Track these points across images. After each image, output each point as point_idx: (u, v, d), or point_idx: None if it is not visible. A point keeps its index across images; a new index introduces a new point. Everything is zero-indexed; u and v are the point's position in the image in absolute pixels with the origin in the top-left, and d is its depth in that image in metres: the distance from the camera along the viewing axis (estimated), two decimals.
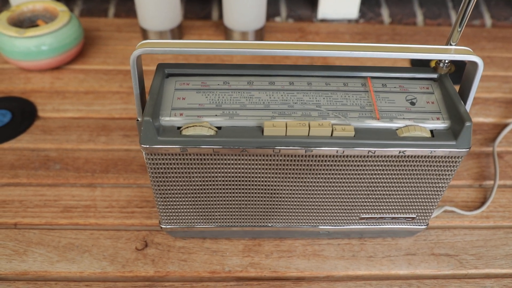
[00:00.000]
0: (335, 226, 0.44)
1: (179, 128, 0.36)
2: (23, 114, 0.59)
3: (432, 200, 0.41)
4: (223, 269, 0.44)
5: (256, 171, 0.38)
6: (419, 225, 0.44)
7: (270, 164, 0.37)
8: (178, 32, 0.72)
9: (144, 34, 0.71)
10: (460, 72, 0.69)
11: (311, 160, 0.37)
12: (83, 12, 0.81)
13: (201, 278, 0.43)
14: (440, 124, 0.37)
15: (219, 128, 0.36)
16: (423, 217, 0.43)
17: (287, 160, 0.37)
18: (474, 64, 0.36)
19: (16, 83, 0.63)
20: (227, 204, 0.41)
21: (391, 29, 0.80)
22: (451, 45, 0.40)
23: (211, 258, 0.45)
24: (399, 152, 0.36)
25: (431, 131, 0.37)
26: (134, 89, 0.36)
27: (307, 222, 0.43)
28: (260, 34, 0.73)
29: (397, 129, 0.37)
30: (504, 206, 0.51)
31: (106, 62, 0.68)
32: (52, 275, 0.43)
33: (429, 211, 0.43)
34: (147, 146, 0.35)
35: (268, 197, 0.40)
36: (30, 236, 0.46)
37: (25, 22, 0.66)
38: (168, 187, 0.39)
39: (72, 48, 0.65)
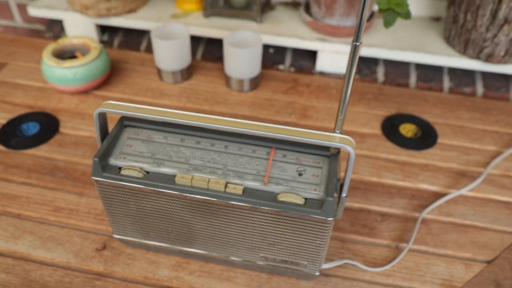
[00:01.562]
0: (242, 259, 0.55)
1: (120, 168, 0.49)
2: (48, 128, 0.76)
3: (317, 253, 0.51)
4: (153, 276, 0.57)
5: (172, 207, 0.50)
6: (312, 271, 0.54)
7: (181, 204, 0.49)
8: (187, 73, 0.86)
9: (159, 71, 0.86)
10: (425, 137, 0.76)
11: (210, 207, 0.48)
12: (121, 44, 0.98)
13: (136, 281, 0.56)
14: (314, 195, 0.47)
15: (147, 172, 0.49)
16: (313, 265, 0.53)
17: (193, 204, 0.49)
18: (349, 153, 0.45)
19: (50, 102, 0.81)
20: (158, 227, 0.54)
21: (378, 88, 0.88)
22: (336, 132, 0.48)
23: (148, 267, 0.57)
24: (275, 211, 0.47)
25: (306, 199, 0.47)
26: (97, 137, 0.50)
27: (220, 252, 0.55)
28: (255, 82, 0.85)
29: (278, 193, 0.47)
30: (408, 269, 0.58)
31: (123, 92, 0.84)
32: (32, 257, 0.58)
33: (317, 261, 0.52)
34: (95, 178, 0.49)
35: (185, 227, 0.53)
36: (26, 225, 0.62)
37: (67, 53, 0.84)
38: (113, 208, 0.53)
39: (99, 77, 0.82)
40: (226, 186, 0.47)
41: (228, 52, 0.80)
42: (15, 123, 0.76)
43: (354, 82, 0.89)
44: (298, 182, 0.48)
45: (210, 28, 0.91)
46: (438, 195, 0.68)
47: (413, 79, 0.91)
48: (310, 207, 0.46)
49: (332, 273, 0.58)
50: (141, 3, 0.96)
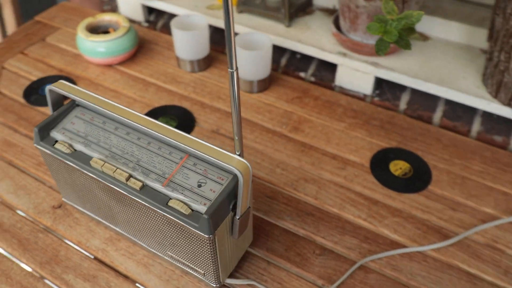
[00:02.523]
0: (151, 249, 0.58)
1: (56, 141, 0.56)
2: None
3: (210, 265, 0.52)
4: (85, 243, 0.63)
5: (92, 186, 0.55)
6: (210, 282, 0.56)
7: (97, 186, 0.54)
8: (204, 63, 0.91)
9: (177, 59, 0.91)
10: (414, 180, 0.71)
11: (117, 195, 0.53)
12: (163, 26, 1.05)
13: (70, 242, 0.63)
14: (201, 208, 0.48)
15: (75, 150, 0.55)
16: (210, 277, 0.54)
17: (106, 187, 0.53)
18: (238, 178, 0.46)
19: (77, 69, 0.91)
20: (88, 201, 0.60)
21: (390, 116, 0.82)
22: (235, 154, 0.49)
23: (85, 233, 0.64)
24: (164, 215, 0.49)
25: (192, 211, 0.48)
26: (50, 109, 0.57)
27: (139, 238, 0.59)
28: (263, 85, 0.86)
29: (170, 199, 0.49)
30: None
31: (141, 71, 0.91)
32: (2, 198, 0.68)
33: (213, 273, 0.54)
34: (36, 145, 0.56)
35: (107, 207, 0.58)
36: (10, 171, 0.72)
37: (101, 28, 0.93)
38: (55, 174, 0.60)
39: (122, 54, 0.90)
40: (128, 179, 0.51)
41: (238, 53, 0.82)
42: (42, 82, 0.88)
43: (367, 105, 0.85)
44: (193, 193, 0.50)
45: (238, 24, 0.93)
46: (394, 245, 0.64)
47: (438, 114, 0.84)
48: (190, 219, 0.48)
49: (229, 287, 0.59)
50: None
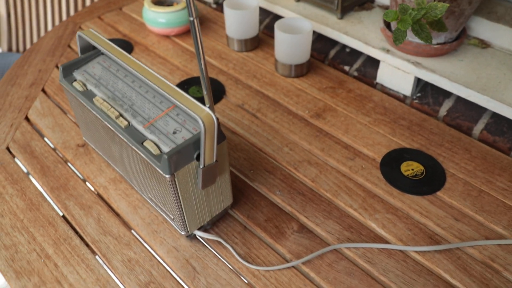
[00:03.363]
0: (139, 191, 0.64)
1: (75, 80, 0.65)
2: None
3: (177, 211, 0.57)
4: (93, 179, 0.71)
5: (96, 123, 0.63)
6: (179, 229, 0.60)
7: (99, 123, 0.62)
8: (251, 43, 0.95)
9: (227, 37, 0.97)
10: (423, 183, 0.69)
11: (110, 131, 0.60)
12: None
13: (81, 175, 0.72)
14: (167, 150, 0.53)
15: (87, 89, 0.63)
16: (179, 224, 0.59)
17: (103, 125, 0.61)
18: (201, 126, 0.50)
19: (138, 36, 1.02)
20: (97, 140, 0.68)
21: (421, 119, 0.79)
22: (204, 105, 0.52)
23: (95, 171, 0.72)
24: (138, 154, 0.55)
25: (161, 153, 0.53)
26: (79, 53, 0.67)
27: (127, 176, 0.66)
28: (301, 70, 0.88)
29: (146, 140, 0.55)
30: (280, 283, 0.58)
31: (192, 45, 0.99)
32: (43, 132, 0.80)
33: (181, 220, 0.58)
34: (60, 82, 0.66)
35: (108, 146, 0.65)
36: (56, 111, 0.84)
37: (167, 1, 1.03)
38: (75, 112, 0.69)
39: (178, 27, 0.98)
40: (117, 117, 0.57)
41: (277, 36, 0.85)
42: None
43: (403, 104, 0.82)
44: (167, 138, 0.54)
45: (291, 11, 0.96)
46: (378, 240, 0.62)
47: (479, 126, 0.78)
48: (156, 159, 0.53)
49: (206, 243, 0.62)
50: None
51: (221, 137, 0.55)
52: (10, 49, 1.63)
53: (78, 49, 0.66)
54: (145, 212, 0.66)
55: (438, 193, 0.68)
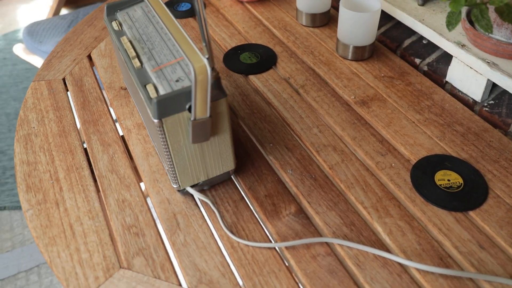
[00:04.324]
0: (150, 137, 0.65)
1: (115, 20, 0.67)
2: (192, 9, 0.98)
3: (169, 162, 0.56)
4: (122, 120, 0.74)
5: (123, 64, 0.65)
6: (173, 183, 0.59)
7: (123, 64, 0.63)
8: (320, 19, 0.90)
9: (297, 10, 0.93)
10: (456, 197, 0.60)
11: (128, 72, 0.61)
12: None
13: (114, 114, 0.75)
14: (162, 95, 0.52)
15: (121, 29, 0.65)
16: (171, 175, 0.58)
17: (125, 66, 0.62)
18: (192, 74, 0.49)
19: (219, 1, 1.03)
20: (128, 83, 0.70)
21: (483, 128, 0.68)
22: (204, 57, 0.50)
23: (127, 113, 0.75)
24: (141, 96, 0.55)
25: (157, 96, 0.53)
26: None
27: (143, 121, 0.66)
28: (360, 52, 0.81)
29: (150, 83, 0.55)
30: (256, 262, 0.55)
31: (262, 13, 0.96)
32: (99, 72, 0.85)
33: (171, 171, 0.57)
34: (104, 20, 0.68)
35: (134, 89, 0.66)
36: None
37: None
38: (114, 47, 0.71)
39: None
40: (133, 58, 0.58)
41: (341, 12, 0.79)
42: (179, 0, 1.02)
43: (468, 110, 0.72)
44: (168, 84, 0.54)
45: None
46: (377, 245, 0.55)
47: None
48: (150, 102, 0.52)
49: (199, 204, 0.61)
50: None
51: (219, 93, 0.52)
52: None
53: None
54: (154, 160, 0.67)
55: (471, 212, 0.58)
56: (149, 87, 0.54)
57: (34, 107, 0.77)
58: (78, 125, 0.74)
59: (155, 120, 0.51)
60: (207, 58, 0.51)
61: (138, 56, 0.58)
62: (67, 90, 0.81)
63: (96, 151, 0.69)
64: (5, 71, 2.18)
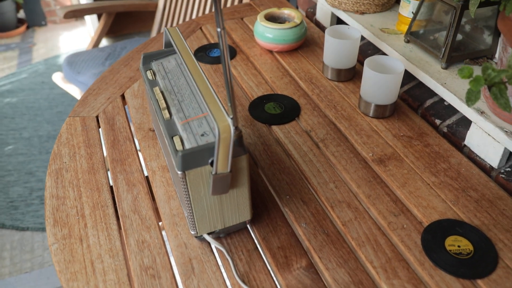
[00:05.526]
0: (173, 182, 0.69)
1: (150, 69, 0.72)
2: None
3: (186, 206, 0.60)
4: (148, 161, 0.79)
5: (154, 112, 0.70)
6: (190, 228, 0.63)
7: (154, 113, 0.68)
8: (345, 74, 0.94)
9: (323, 64, 0.97)
10: (466, 264, 0.62)
11: (157, 119, 0.66)
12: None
13: (141, 155, 0.80)
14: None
15: (155, 79, 0.70)
16: (190, 221, 0.62)
17: (155, 115, 0.67)
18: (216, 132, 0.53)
19: (246, 45, 1.08)
20: (157, 128, 0.74)
21: (498, 196, 0.70)
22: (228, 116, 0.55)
23: (153, 155, 0.80)
24: (167, 145, 0.59)
25: (183, 150, 0.57)
26: (163, 46, 0.75)
27: (169, 168, 0.71)
28: (381, 111, 0.85)
29: (177, 135, 0.59)
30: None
31: (289, 64, 1.01)
32: (132, 113, 0.91)
33: (190, 218, 0.61)
34: (140, 67, 0.74)
35: (161, 135, 0.71)
36: None
37: (280, 19, 1.07)
38: (146, 94, 0.77)
39: (282, 44, 1.02)
40: (163, 109, 0.63)
41: (365, 72, 0.83)
42: (214, 46, 1.08)
43: (484, 175, 0.74)
44: (194, 138, 0.58)
45: (397, 51, 0.93)
46: None
47: None
48: (175, 154, 0.56)
49: (214, 250, 0.64)
50: (373, 9, 1.06)
51: (241, 150, 0.56)
52: None
53: (163, 43, 0.74)
54: (175, 204, 0.71)
55: (479, 280, 0.59)
56: (176, 139, 0.58)
57: (68, 142, 0.83)
58: (107, 163, 0.79)
59: (179, 172, 0.55)
60: (231, 118, 0.55)
61: (168, 108, 0.63)
62: (99, 127, 0.87)
63: (121, 191, 0.73)
64: (43, 94, 2.30)
